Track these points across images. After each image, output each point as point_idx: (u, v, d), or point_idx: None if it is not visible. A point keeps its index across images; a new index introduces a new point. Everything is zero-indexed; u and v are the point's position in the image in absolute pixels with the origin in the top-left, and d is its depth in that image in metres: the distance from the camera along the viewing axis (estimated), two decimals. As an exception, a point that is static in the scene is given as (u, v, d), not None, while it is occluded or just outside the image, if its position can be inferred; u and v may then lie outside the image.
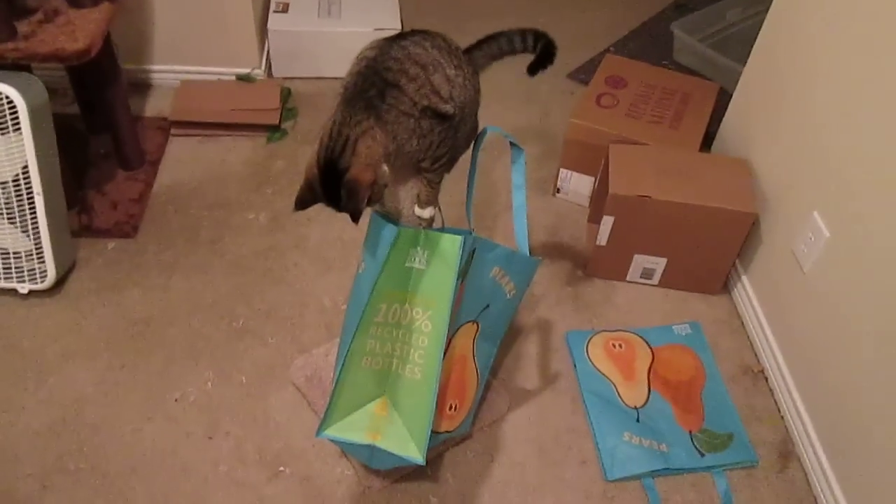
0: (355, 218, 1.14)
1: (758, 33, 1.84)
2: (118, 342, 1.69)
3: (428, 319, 1.28)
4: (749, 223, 1.72)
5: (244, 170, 2.12)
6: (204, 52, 2.32)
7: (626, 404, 1.62)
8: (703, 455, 1.54)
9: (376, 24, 2.36)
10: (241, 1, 2.22)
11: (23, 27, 1.65)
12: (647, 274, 1.86)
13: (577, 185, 2.04)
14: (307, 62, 2.40)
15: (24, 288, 1.74)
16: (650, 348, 1.73)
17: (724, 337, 1.79)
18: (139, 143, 2.09)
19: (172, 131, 2.21)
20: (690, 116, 1.96)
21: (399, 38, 1.22)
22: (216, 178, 2.09)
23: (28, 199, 1.65)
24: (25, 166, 1.62)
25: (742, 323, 1.82)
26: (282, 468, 1.50)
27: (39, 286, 1.74)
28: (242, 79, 2.35)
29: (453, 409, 1.43)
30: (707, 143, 2.00)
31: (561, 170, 2.04)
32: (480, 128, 1.37)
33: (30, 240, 1.69)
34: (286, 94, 2.33)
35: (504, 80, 2.45)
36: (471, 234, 1.32)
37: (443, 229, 1.36)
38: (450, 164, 1.34)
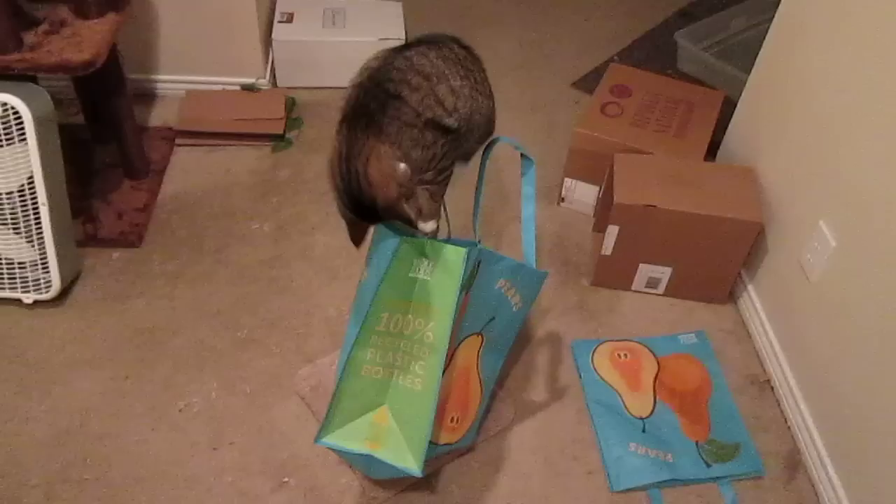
0: (411, 222, 1.21)
1: (762, 42, 1.84)
2: (123, 352, 1.69)
3: (430, 330, 1.27)
4: (755, 232, 1.71)
5: (249, 179, 2.13)
6: (209, 62, 2.33)
7: (631, 414, 1.61)
8: (709, 465, 1.53)
9: (381, 34, 2.36)
10: (246, 11, 2.23)
11: (29, 38, 1.65)
12: (652, 283, 1.85)
13: (582, 194, 2.04)
14: (312, 72, 2.40)
15: (28, 298, 1.74)
16: (656, 358, 1.72)
17: (730, 346, 1.78)
18: (144, 153, 2.09)
19: (178, 141, 2.21)
20: (695, 125, 1.96)
21: (404, 49, 1.22)
22: (221, 187, 2.10)
23: (33, 209, 1.66)
24: (31, 176, 1.63)
25: (748, 332, 1.81)
26: (286, 479, 1.50)
27: (44, 296, 1.74)
28: (247, 88, 2.35)
29: (455, 421, 1.42)
30: (712, 151, 2.00)
31: (566, 179, 2.04)
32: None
33: (35, 250, 1.69)
34: (291, 104, 2.33)
35: (509, 89, 2.47)
36: (476, 245, 1.31)
37: (449, 240, 1.35)
38: (466, 157, 1.34)
